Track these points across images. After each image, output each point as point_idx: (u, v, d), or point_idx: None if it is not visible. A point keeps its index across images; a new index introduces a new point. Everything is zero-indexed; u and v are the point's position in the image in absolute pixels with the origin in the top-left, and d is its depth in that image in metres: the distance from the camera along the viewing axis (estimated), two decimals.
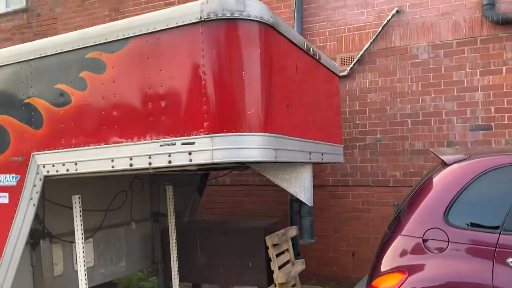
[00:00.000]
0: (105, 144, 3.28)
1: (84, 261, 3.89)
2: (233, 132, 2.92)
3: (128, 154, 3.19)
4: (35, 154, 3.55)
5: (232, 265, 4.86)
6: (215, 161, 2.92)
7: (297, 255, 5.43)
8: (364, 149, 5.74)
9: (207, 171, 3.84)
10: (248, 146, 2.96)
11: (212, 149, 2.91)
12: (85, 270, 3.89)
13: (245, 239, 4.80)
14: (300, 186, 3.79)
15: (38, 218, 4.04)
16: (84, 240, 4.46)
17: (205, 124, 2.93)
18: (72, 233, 4.06)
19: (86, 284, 3.90)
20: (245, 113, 2.96)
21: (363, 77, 5.75)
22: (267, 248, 4.60)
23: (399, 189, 5.53)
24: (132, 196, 4.95)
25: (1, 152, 3.72)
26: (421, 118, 5.46)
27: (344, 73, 5.74)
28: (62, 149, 3.45)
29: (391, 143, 5.59)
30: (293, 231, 5.14)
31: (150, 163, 3.12)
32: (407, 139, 5.52)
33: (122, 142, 3.22)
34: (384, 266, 3.05)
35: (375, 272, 3.11)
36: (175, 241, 4.94)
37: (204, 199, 6.10)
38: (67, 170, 3.44)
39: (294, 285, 4.97)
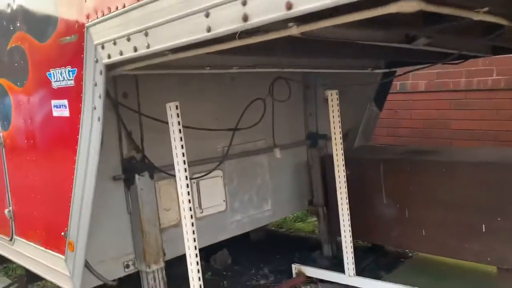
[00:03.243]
0: None
1: (189, 203, 2.30)
2: None
3: None
4: (89, 26, 1.93)
5: (446, 224, 2.85)
6: None
7: None
8: None
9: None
10: None
11: None
12: (191, 216, 2.32)
13: (479, 183, 2.70)
14: None
15: (133, 143, 2.61)
16: (209, 173, 2.98)
17: None
18: (192, 163, 2.72)
19: (194, 238, 2.32)
20: None
21: None
22: None
23: None
24: (274, 107, 3.17)
25: (51, 33, 2.21)
26: None
27: None
28: (123, 9, 1.74)
29: None
30: None
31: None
32: None
33: None
34: None
35: None
36: (344, 175, 3.10)
37: (384, 115, 4.18)
38: (135, 50, 1.75)
39: None
